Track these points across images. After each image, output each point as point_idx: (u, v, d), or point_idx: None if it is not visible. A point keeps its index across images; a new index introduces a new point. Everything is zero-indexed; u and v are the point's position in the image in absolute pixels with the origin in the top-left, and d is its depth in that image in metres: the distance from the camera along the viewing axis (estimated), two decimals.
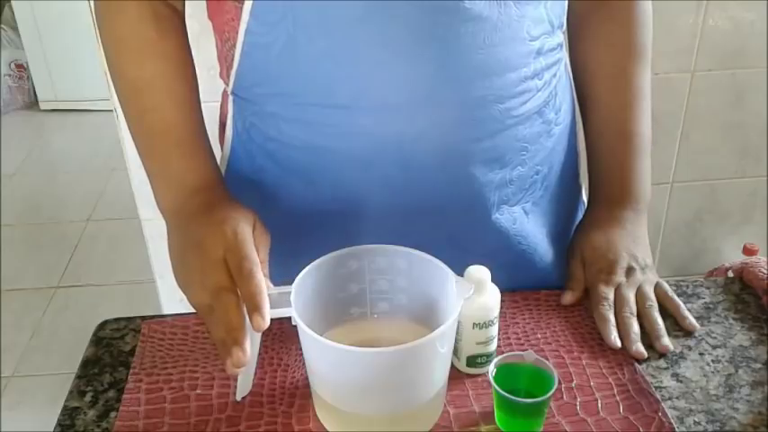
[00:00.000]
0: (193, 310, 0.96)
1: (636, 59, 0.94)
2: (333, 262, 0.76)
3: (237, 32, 0.79)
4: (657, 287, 0.89)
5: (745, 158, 1.90)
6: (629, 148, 0.94)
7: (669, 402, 0.77)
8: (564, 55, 0.91)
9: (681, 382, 0.79)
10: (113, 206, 2.93)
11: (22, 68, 3.69)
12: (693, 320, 0.86)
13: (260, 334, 0.72)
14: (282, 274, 0.75)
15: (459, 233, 0.87)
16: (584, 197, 1.03)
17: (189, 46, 0.88)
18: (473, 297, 0.72)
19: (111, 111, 1.47)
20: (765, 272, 0.92)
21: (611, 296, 0.86)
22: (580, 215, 1.02)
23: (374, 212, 0.85)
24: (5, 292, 2.56)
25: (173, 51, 0.85)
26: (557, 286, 0.92)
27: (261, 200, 0.88)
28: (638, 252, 0.91)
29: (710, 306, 0.90)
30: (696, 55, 1.74)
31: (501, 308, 0.78)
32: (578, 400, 0.77)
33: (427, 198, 0.84)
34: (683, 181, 1.92)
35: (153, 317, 0.89)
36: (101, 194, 3.05)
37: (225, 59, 0.85)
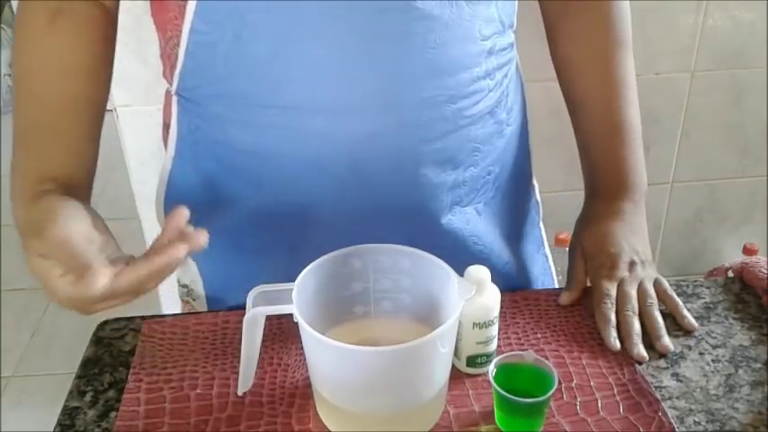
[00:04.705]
0: (194, 310, 0.96)
1: (616, 48, 0.93)
2: (335, 261, 0.76)
3: (181, 31, 0.77)
4: (656, 284, 0.89)
5: (745, 158, 1.90)
6: (620, 139, 0.94)
7: (669, 402, 0.77)
8: (515, 55, 0.91)
9: (681, 381, 0.80)
10: (113, 206, 2.89)
11: None
12: (692, 319, 0.86)
13: (261, 332, 0.72)
14: (246, 271, 0.74)
15: (413, 235, 0.84)
16: (538, 196, 1.04)
17: (97, 38, 0.83)
18: (473, 297, 0.72)
19: (111, 111, 1.47)
20: (765, 272, 0.92)
21: (614, 292, 0.86)
22: (534, 214, 1.02)
23: (326, 216, 0.84)
24: (5, 292, 2.55)
25: (64, 42, 0.80)
26: (518, 286, 0.93)
27: (207, 204, 0.86)
28: (639, 245, 0.91)
29: (710, 306, 0.90)
30: (696, 55, 1.73)
31: (501, 308, 0.78)
32: (578, 400, 0.77)
33: (380, 201, 0.83)
34: (682, 181, 1.92)
35: (153, 317, 0.89)
36: (101, 194, 3.02)
37: (168, 58, 0.83)
